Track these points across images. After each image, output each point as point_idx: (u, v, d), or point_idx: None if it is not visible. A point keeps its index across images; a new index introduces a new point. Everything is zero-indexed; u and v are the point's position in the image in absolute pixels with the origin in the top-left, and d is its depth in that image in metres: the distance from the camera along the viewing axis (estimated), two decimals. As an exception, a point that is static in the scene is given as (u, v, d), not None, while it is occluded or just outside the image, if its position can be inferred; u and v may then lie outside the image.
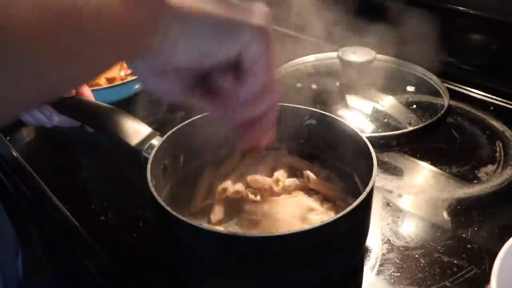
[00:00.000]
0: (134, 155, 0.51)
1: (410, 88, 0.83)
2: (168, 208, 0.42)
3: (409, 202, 0.60)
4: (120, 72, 0.82)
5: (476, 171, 0.64)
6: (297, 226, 0.48)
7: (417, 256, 0.51)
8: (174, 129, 0.53)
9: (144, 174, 0.47)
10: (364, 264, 0.51)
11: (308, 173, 0.54)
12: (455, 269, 0.50)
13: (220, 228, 0.50)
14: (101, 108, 0.58)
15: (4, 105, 0.24)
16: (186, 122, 0.54)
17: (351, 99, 0.81)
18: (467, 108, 0.79)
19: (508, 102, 0.79)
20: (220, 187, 0.54)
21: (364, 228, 0.49)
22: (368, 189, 0.44)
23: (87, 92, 0.62)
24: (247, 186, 0.54)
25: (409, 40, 0.82)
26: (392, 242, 0.53)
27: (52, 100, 0.57)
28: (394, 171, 0.65)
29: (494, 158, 0.67)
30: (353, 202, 0.42)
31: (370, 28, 0.83)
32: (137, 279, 0.51)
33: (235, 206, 0.54)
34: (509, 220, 0.57)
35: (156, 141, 0.52)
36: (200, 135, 0.55)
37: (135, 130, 0.53)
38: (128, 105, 0.79)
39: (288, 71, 0.88)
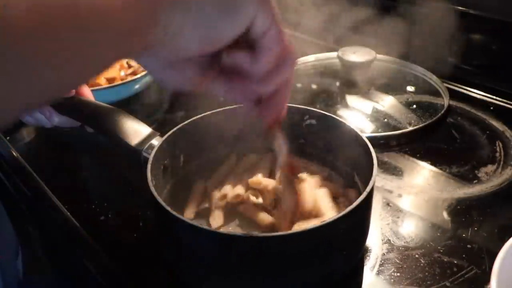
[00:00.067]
0: (134, 155, 0.51)
1: (410, 88, 0.83)
2: (168, 208, 0.42)
3: (409, 202, 0.60)
4: (120, 72, 0.82)
5: (476, 171, 0.64)
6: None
7: (417, 256, 0.51)
8: (174, 129, 0.53)
9: (144, 174, 0.47)
10: (364, 264, 0.51)
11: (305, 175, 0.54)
12: (455, 269, 0.50)
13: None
14: (101, 108, 0.58)
15: (4, 105, 0.24)
16: (186, 122, 0.54)
17: (351, 99, 0.80)
18: (467, 108, 0.79)
19: (508, 102, 0.79)
20: (219, 194, 0.53)
21: (364, 228, 0.49)
22: (368, 189, 0.44)
23: (87, 92, 0.62)
24: (247, 188, 0.54)
25: (409, 40, 0.82)
26: (392, 242, 0.53)
27: (52, 102, 0.57)
28: (394, 171, 0.65)
29: (494, 158, 0.67)
30: (354, 195, 0.42)
31: (370, 28, 0.83)
32: (137, 279, 0.51)
33: (234, 211, 0.54)
34: (509, 220, 0.57)
35: (156, 141, 0.52)
36: (200, 135, 0.55)
37: (135, 130, 0.53)
38: (128, 105, 0.79)
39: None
